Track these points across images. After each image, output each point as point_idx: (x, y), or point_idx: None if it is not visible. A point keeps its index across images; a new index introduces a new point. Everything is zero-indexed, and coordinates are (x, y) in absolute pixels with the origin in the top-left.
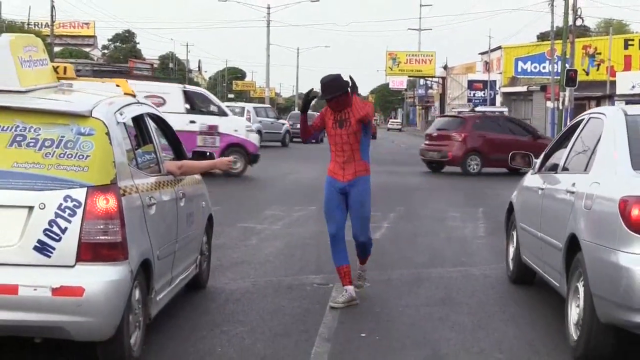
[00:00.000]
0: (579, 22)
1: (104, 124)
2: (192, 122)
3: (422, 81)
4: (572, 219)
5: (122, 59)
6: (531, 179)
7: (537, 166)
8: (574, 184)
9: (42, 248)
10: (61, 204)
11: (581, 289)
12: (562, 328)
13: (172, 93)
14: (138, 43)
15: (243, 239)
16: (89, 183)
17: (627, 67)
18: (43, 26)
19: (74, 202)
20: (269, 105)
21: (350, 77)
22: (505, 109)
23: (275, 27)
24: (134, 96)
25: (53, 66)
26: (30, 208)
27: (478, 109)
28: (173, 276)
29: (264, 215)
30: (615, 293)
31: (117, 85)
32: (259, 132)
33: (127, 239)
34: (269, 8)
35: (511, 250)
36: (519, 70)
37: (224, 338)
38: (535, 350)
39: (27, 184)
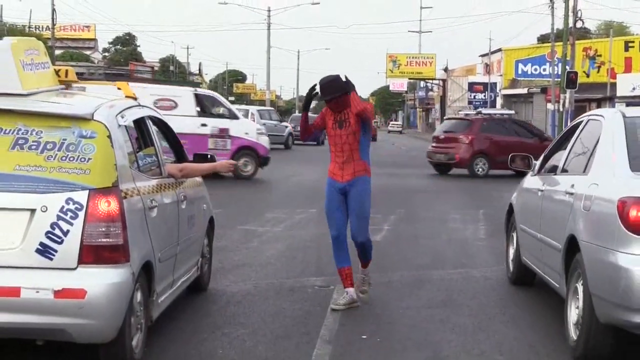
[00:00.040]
0: (579, 24)
1: (106, 126)
2: (204, 125)
3: (422, 83)
4: (571, 220)
5: (122, 61)
6: (531, 181)
7: (536, 168)
8: (573, 186)
9: (44, 250)
10: (63, 207)
11: (580, 290)
12: (562, 330)
13: (184, 96)
14: (139, 46)
15: (244, 241)
16: (91, 186)
17: (628, 69)
18: (44, 29)
19: (76, 205)
20: (272, 108)
21: (345, 77)
22: (512, 112)
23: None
24: (136, 99)
25: (55, 69)
26: (33, 211)
27: (485, 111)
28: (174, 278)
29: (266, 218)
30: (614, 293)
31: (119, 88)
32: None
33: (129, 241)
34: (269, 10)
35: (511, 251)
36: (520, 72)
37: (225, 340)
38: (535, 352)
39: (29, 186)
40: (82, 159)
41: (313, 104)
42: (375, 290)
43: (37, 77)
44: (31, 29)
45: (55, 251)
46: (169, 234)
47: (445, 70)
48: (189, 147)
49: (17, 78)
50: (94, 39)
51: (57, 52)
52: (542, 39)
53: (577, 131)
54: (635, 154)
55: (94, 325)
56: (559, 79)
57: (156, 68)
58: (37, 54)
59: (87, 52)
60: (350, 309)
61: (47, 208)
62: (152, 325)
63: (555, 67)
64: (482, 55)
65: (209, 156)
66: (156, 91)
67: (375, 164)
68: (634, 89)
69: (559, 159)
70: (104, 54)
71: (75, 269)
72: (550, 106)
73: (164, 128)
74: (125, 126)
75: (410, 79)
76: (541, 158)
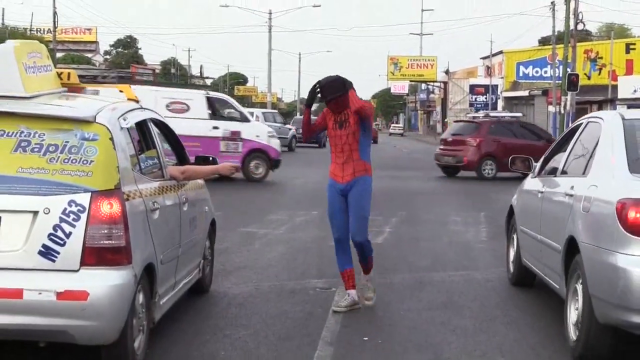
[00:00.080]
0: (580, 27)
1: (108, 129)
2: (216, 128)
3: (423, 86)
4: (570, 221)
5: (124, 64)
6: (531, 183)
7: (536, 170)
8: (572, 187)
9: (46, 252)
10: (65, 209)
11: (580, 290)
12: (562, 331)
13: (196, 99)
14: (140, 48)
15: (246, 243)
16: (93, 188)
17: (629, 71)
18: (45, 32)
19: (78, 207)
20: (276, 111)
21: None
22: (519, 114)
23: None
24: (137, 102)
25: (57, 72)
26: (35, 213)
27: (493, 114)
28: (176, 280)
29: (267, 220)
30: (613, 294)
31: (121, 91)
32: None
33: (131, 243)
34: (270, 13)
35: (511, 253)
36: (521, 74)
37: (227, 342)
38: (536, 354)
39: (32, 189)
40: (85, 162)
41: (314, 106)
42: (376, 292)
43: (40, 79)
44: (33, 32)
45: (58, 253)
46: (170, 236)
47: (447, 72)
48: (201, 150)
49: (19, 81)
50: (96, 42)
51: (59, 54)
52: (543, 41)
53: (577, 133)
54: (633, 156)
55: (96, 326)
56: (560, 82)
57: (157, 71)
58: (39, 57)
59: (89, 55)
60: (351, 311)
61: (49, 210)
62: (154, 327)
63: (557, 70)
64: (483, 58)
65: (210, 158)
66: (168, 94)
67: (377, 166)
68: (635, 91)
69: (559, 161)
70: (105, 57)
71: (77, 270)
72: (551, 108)
73: (165, 130)
74: (128, 129)
75: (411, 81)
76: (541, 160)
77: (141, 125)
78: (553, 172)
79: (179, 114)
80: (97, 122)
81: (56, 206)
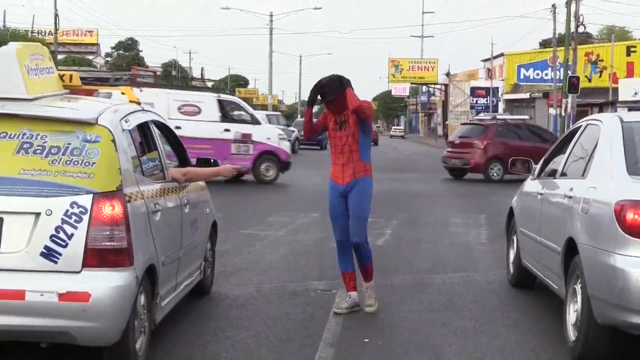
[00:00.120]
0: (581, 29)
1: (110, 131)
2: (227, 130)
3: (424, 88)
4: (570, 222)
5: (125, 66)
6: (531, 185)
7: (536, 172)
8: (571, 189)
9: (48, 254)
10: (67, 211)
11: (579, 291)
12: (562, 333)
13: (207, 102)
14: (141, 51)
15: (247, 245)
16: (95, 190)
17: (630, 73)
18: (46, 34)
19: (80, 209)
20: (279, 113)
21: (339, 76)
22: (526, 117)
23: (277, 35)
24: (139, 104)
25: (59, 74)
26: (37, 214)
27: (500, 116)
28: (178, 282)
29: (268, 222)
30: (612, 294)
31: (123, 93)
32: None
33: (133, 245)
34: (271, 15)
35: (511, 254)
36: (522, 77)
37: (228, 343)
38: (536, 355)
39: (34, 190)
40: (87, 163)
41: (315, 108)
42: (377, 294)
43: (42, 82)
44: (34, 34)
45: (60, 254)
46: (172, 237)
47: (448, 75)
48: (212, 152)
49: (22, 83)
50: (97, 44)
51: (60, 57)
52: (544, 43)
53: (576, 136)
54: (632, 158)
55: (98, 328)
56: (561, 84)
57: (158, 73)
58: (41, 59)
59: (90, 57)
60: (352, 312)
61: (51, 212)
62: (155, 329)
63: (557, 72)
64: (484, 60)
65: (212, 160)
66: (180, 97)
67: (378, 168)
68: (636, 93)
69: (559, 163)
70: (106, 59)
71: (79, 272)
72: (552, 111)
73: (167, 132)
74: (129, 130)
75: (412, 83)
76: (541, 162)
77: (143, 127)
78: (552, 174)
79: (191, 116)
80: (99, 124)
81: (58, 208)
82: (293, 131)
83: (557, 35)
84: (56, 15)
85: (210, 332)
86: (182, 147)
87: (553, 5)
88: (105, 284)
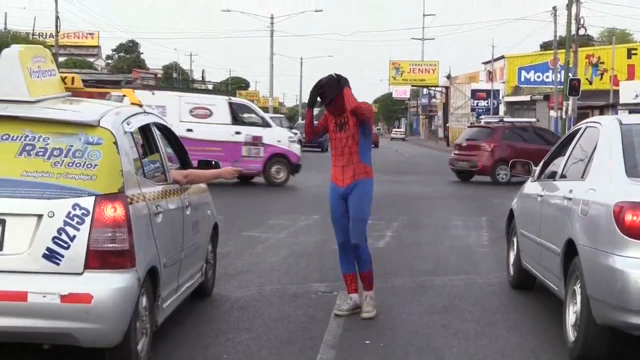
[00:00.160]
0: (582, 32)
1: (112, 133)
2: (238, 133)
3: (425, 90)
4: (569, 224)
5: (126, 69)
6: (531, 187)
7: (536, 174)
8: (571, 191)
9: (51, 256)
10: (70, 212)
11: (578, 292)
12: (562, 335)
13: (218, 105)
14: (142, 53)
15: (248, 247)
16: (97, 192)
17: (631, 76)
18: (47, 36)
19: (83, 211)
20: (282, 115)
21: (336, 74)
22: (533, 119)
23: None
24: (141, 106)
25: (61, 76)
26: (40, 216)
27: (507, 119)
28: (179, 284)
29: (269, 224)
30: (611, 295)
31: (124, 95)
32: None
33: (135, 246)
34: (272, 18)
35: (512, 256)
36: (522, 79)
37: (229, 345)
38: (536, 357)
39: (37, 192)
40: (89, 165)
41: (315, 110)
42: (378, 296)
43: (44, 84)
44: (35, 36)
45: (62, 256)
46: (174, 239)
47: (448, 77)
48: (223, 155)
49: (24, 85)
50: (98, 46)
51: (61, 59)
52: (545, 46)
53: (576, 138)
54: (631, 160)
55: (100, 329)
56: (562, 86)
57: (159, 75)
58: (43, 62)
59: (91, 59)
60: (353, 314)
61: (54, 213)
62: (157, 330)
63: (558, 75)
64: (485, 63)
65: (213, 162)
66: (192, 100)
67: (379, 170)
68: (636, 96)
69: (558, 165)
70: (107, 61)
71: (81, 273)
72: (553, 113)
73: (168, 134)
74: (131, 133)
75: (413, 86)
76: (541, 164)
77: (144, 130)
78: (552, 176)
79: (202, 119)
80: (101, 126)
81: (60, 210)
82: (295, 133)
83: (557, 38)
84: (57, 18)
85: (211, 334)
86: (183, 149)
87: (554, 8)
88: (108, 286)
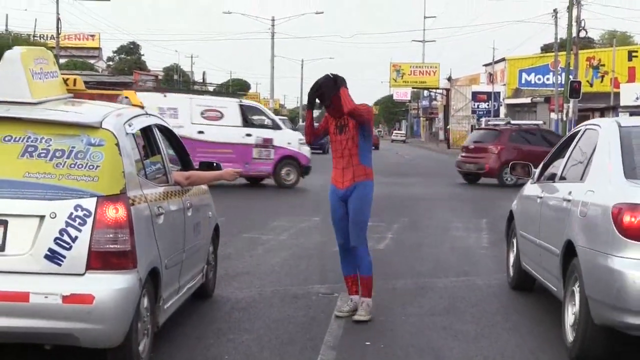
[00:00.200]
0: (582, 34)
1: (114, 134)
2: (248, 135)
3: (426, 92)
4: (568, 225)
5: (126, 70)
6: (530, 188)
7: (536, 176)
8: (570, 193)
9: (52, 256)
10: (72, 213)
11: (577, 293)
12: (562, 336)
13: (229, 107)
14: (143, 55)
15: (249, 249)
16: (99, 193)
17: (631, 78)
18: (48, 38)
19: (84, 212)
20: (285, 117)
21: (332, 75)
22: (540, 122)
23: (279, 39)
24: (142, 107)
25: (63, 78)
26: (42, 217)
27: (514, 122)
28: (180, 285)
29: (270, 226)
30: (609, 295)
31: (126, 97)
32: None
33: (136, 247)
34: (273, 20)
35: (511, 257)
36: (523, 81)
37: (230, 346)
38: (536, 358)
39: (39, 193)
40: (91, 167)
41: (316, 112)
42: (378, 298)
43: (46, 85)
44: (36, 38)
45: (64, 257)
46: (175, 241)
47: (449, 79)
48: (234, 157)
49: (26, 87)
50: (99, 48)
51: (62, 61)
52: (546, 48)
53: (575, 140)
54: (629, 162)
55: (102, 330)
56: (563, 89)
57: (160, 77)
58: (46, 63)
59: (92, 61)
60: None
61: (56, 214)
62: (158, 331)
63: (559, 77)
64: (486, 65)
65: (214, 164)
66: (203, 102)
67: (379, 172)
68: (637, 98)
69: (558, 167)
70: (108, 63)
71: (83, 274)
72: (553, 115)
73: (170, 136)
74: (133, 134)
75: (413, 88)
76: (540, 166)
77: (146, 131)
78: (552, 177)
79: (214, 121)
80: (103, 128)
81: (62, 211)
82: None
83: (558, 40)
84: (58, 19)
85: (212, 335)
86: (184, 151)
87: (554, 10)
88: (109, 287)
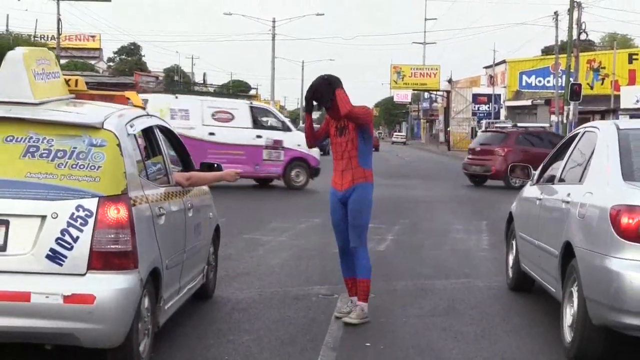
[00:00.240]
0: (583, 37)
1: (115, 135)
2: (259, 136)
3: (426, 94)
4: (567, 227)
5: (127, 71)
6: (530, 190)
7: (535, 178)
8: (569, 194)
9: (54, 256)
10: (73, 214)
11: (575, 293)
12: (561, 337)
13: (240, 109)
14: (143, 56)
15: (249, 250)
16: (101, 193)
17: (632, 81)
18: (49, 39)
19: (86, 212)
20: (288, 119)
21: (326, 76)
22: (547, 124)
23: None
24: (144, 108)
25: (65, 79)
26: (43, 217)
27: (521, 124)
28: (181, 285)
29: (270, 227)
30: (607, 296)
31: (128, 98)
32: None
33: (137, 248)
34: (274, 21)
35: (510, 258)
36: (524, 84)
37: (230, 347)
38: (535, 359)
39: (40, 193)
40: (92, 167)
41: (316, 114)
42: (379, 299)
43: (48, 86)
44: (36, 39)
45: (65, 257)
46: (176, 241)
47: (449, 81)
48: (245, 158)
49: (28, 87)
50: (99, 49)
51: (62, 61)
52: (546, 51)
53: (574, 143)
54: (627, 164)
55: (102, 330)
56: (563, 91)
57: (160, 78)
58: (48, 64)
59: (92, 62)
60: None
61: (57, 215)
62: (158, 331)
63: (559, 79)
64: (486, 67)
65: (215, 165)
66: (214, 104)
67: (379, 174)
68: (637, 101)
69: (557, 169)
70: (108, 64)
71: (84, 274)
72: (554, 118)
73: (171, 137)
74: (134, 135)
75: (414, 90)
76: (540, 168)
77: (147, 132)
78: (551, 179)
79: (224, 123)
80: (104, 129)
81: (64, 211)
82: None
83: (559, 43)
84: (59, 20)
85: (212, 336)
86: (185, 152)
87: (555, 13)
88: (110, 287)
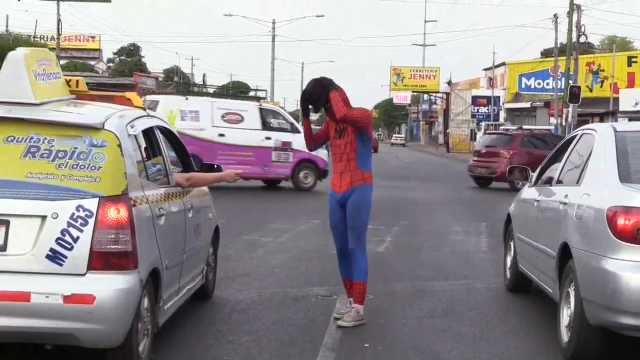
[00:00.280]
0: (582, 39)
1: (116, 136)
2: (268, 138)
3: (426, 96)
4: (564, 228)
5: (127, 72)
6: (528, 192)
7: (533, 179)
8: (566, 196)
9: (54, 256)
10: (73, 214)
11: (572, 294)
12: (558, 338)
13: (250, 110)
14: (143, 57)
15: (248, 250)
16: (101, 193)
17: (631, 84)
18: (49, 39)
19: (86, 212)
20: None
21: (319, 80)
22: (552, 127)
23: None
24: (144, 109)
25: (65, 79)
26: (44, 217)
27: (526, 127)
28: (180, 286)
29: (270, 228)
30: (604, 297)
31: (129, 99)
32: None
33: (137, 248)
34: (274, 23)
35: (509, 259)
36: (523, 86)
37: (229, 347)
38: None
39: (41, 193)
40: (93, 167)
41: (316, 115)
42: (377, 300)
43: (49, 86)
44: (36, 39)
45: (65, 257)
46: (175, 242)
47: (449, 83)
48: (254, 160)
49: (29, 88)
50: (99, 50)
51: (62, 62)
52: (546, 53)
53: (572, 145)
54: (624, 166)
55: (102, 330)
56: (562, 93)
57: (160, 79)
58: (49, 64)
59: (92, 63)
60: None
61: (57, 215)
62: (158, 332)
63: (559, 82)
64: (486, 69)
65: (215, 166)
66: (224, 105)
67: (379, 176)
68: (636, 103)
69: (555, 170)
70: (108, 65)
71: (84, 274)
72: (553, 120)
73: (171, 138)
74: (135, 135)
75: (413, 92)
76: (538, 170)
77: (148, 133)
78: (549, 181)
79: (234, 124)
80: (105, 129)
81: (64, 211)
82: None
83: (558, 45)
84: (59, 21)
85: (212, 336)
86: (186, 153)
87: (555, 15)
88: (110, 287)
